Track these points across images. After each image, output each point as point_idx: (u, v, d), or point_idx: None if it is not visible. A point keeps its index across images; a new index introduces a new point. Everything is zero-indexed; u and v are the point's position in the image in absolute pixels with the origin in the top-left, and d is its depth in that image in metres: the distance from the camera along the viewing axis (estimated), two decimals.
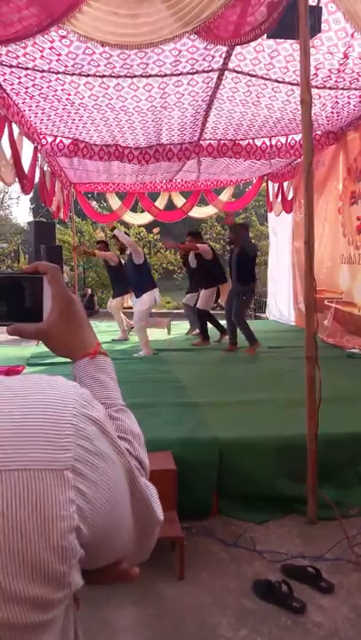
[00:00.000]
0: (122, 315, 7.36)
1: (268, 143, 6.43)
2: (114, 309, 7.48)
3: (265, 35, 3.19)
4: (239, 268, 5.99)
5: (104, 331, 7.99)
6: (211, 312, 6.83)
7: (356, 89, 4.70)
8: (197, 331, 6.97)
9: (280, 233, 9.27)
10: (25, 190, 5.16)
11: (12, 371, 5.03)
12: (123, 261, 6.55)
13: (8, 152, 4.65)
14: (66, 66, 4.06)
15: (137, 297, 5.94)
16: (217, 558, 2.47)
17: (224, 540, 2.61)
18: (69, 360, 0.67)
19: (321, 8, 3.20)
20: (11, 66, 4.01)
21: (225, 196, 9.90)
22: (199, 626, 2.02)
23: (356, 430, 3.14)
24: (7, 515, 0.40)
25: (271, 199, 9.04)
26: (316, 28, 3.19)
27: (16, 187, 5.15)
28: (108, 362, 0.67)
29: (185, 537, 2.40)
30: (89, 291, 14.10)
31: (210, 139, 6.27)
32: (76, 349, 0.66)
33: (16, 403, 0.44)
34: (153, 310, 6.54)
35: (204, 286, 6.67)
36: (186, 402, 3.79)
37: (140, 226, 14.31)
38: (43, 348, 5.73)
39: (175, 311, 12.54)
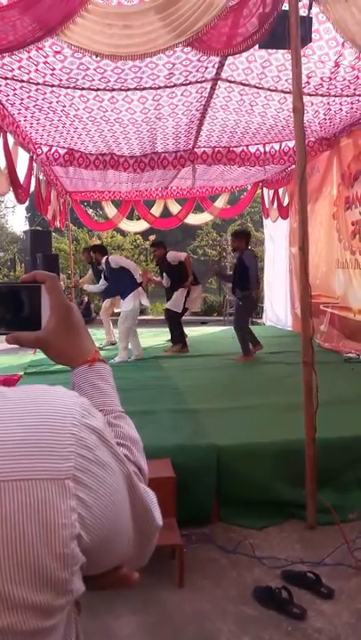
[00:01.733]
0: (109, 320, 7.40)
1: (261, 150, 6.48)
2: (103, 313, 7.52)
3: (257, 45, 3.24)
4: (235, 275, 6.06)
5: (101, 338, 7.98)
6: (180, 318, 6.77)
7: (347, 96, 4.75)
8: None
9: (277, 239, 9.32)
10: (20, 200, 5.18)
11: (8, 379, 5.03)
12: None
13: (2, 162, 4.68)
14: (60, 80, 4.10)
15: (123, 298, 6.12)
16: (217, 565, 2.47)
17: (224, 546, 2.60)
18: (66, 368, 0.68)
19: (311, 19, 3.24)
20: (6, 78, 4.04)
21: (220, 202, 9.96)
22: (200, 633, 2.02)
23: (354, 434, 3.15)
24: (10, 524, 0.41)
25: (267, 205, 9.09)
26: (307, 38, 3.24)
27: (12, 195, 5.17)
28: (106, 369, 0.68)
29: (185, 544, 2.40)
30: (85, 298, 14.09)
31: (204, 146, 6.32)
32: (74, 357, 0.66)
33: (17, 414, 0.45)
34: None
35: (174, 289, 6.72)
36: (184, 408, 3.80)
37: (135, 233, 14.35)
38: (40, 357, 5.73)
39: None
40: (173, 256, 6.62)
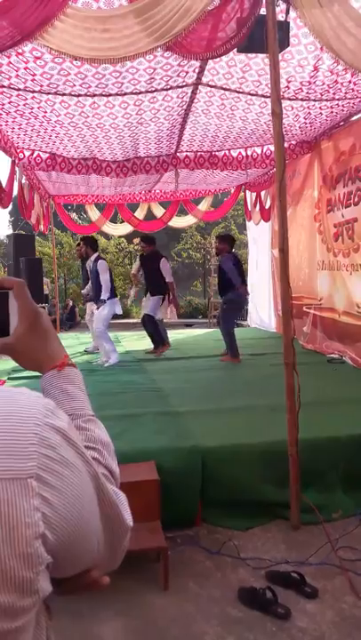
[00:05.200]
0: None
1: (243, 154, 6.53)
2: (88, 318, 7.46)
3: (236, 49, 3.27)
4: (219, 278, 6.11)
5: (86, 342, 7.95)
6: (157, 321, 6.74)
7: (327, 100, 4.82)
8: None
9: (260, 241, 9.39)
10: (2, 204, 5.15)
11: None
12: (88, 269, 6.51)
13: None
14: (41, 85, 4.09)
15: (97, 304, 6.06)
16: (202, 567, 2.47)
17: (208, 548, 2.61)
18: None
19: (289, 23, 3.28)
20: None
21: (204, 205, 10.01)
22: (185, 635, 2.02)
23: (337, 434, 3.18)
24: None
25: (250, 208, 9.16)
26: (285, 43, 3.28)
27: None
28: (76, 373, 0.68)
29: (169, 547, 2.40)
30: (70, 302, 14.03)
31: (187, 150, 6.35)
32: (43, 362, 0.66)
33: None
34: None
35: (152, 293, 6.70)
36: (168, 411, 3.80)
37: (120, 236, 14.34)
38: None
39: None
40: (165, 269, 6.50)
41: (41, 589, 0.45)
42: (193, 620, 2.09)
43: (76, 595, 0.56)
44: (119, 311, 6.17)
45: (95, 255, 6.22)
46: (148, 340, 6.89)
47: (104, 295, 5.89)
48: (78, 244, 8.23)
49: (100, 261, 6.09)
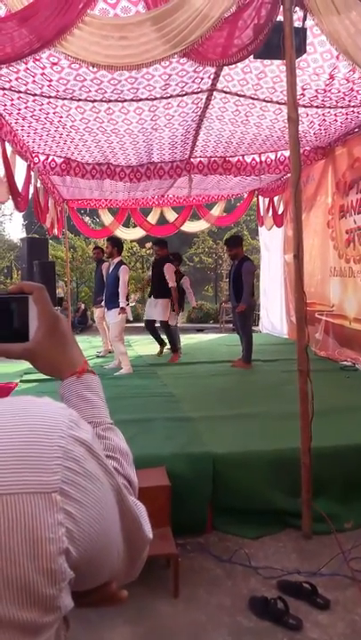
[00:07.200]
0: (105, 326, 7.23)
1: (257, 159, 6.53)
2: (98, 322, 7.47)
3: (252, 56, 3.27)
4: (235, 283, 6.07)
5: (97, 345, 7.98)
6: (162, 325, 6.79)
7: (342, 107, 4.80)
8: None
9: (272, 246, 9.36)
10: (19, 207, 5.19)
11: (4, 387, 5.00)
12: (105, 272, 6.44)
13: (1, 170, 4.69)
14: (57, 91, 4.13)
15: (109, 309, 5.98)
16: (212, 575, 2.45)
17: (219, 556, 2.59)
18: None
19: (306, 30, 3.28)
20: (3, 89, 4.06)
21: (216, 210, 10.01)
22: None
23: (350, 443, 3.15)
24: None
25: (262, 213, 9.14)
26: (301, 49, 3.28)
27: (9, 203, 5.17)
28: (95, 380, 0.67)
29: (180, 554, 2.38)
30: (82, 305, 14.10)
31: (200, 156, 6.36)
32: (62, 368, 0.66)
33: (3, 426, 0.44)
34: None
35: (156, 296, 6.72)
36: (179, 416, 3.79)
37: (132, 241, 14.39)
38: None
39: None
40: (168, 274, 6.52)
41: (63, 606, 0.44)
42: (203, 629, 2.08)
43: (94, 608, 0.56)
44: (130, 317, 6.17)
45: (118, 259, 6.13)
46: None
47: (123, 302, 5.79)
48: (96, 247, 8.26)
49: (122, 266, 5.98)
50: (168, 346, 6.93)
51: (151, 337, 7.12)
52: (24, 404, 0.48)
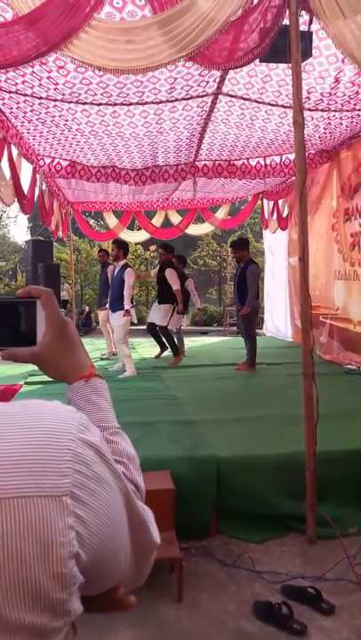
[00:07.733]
0: (109, 328, 7.22)
1: (262, 163, 6.53)
2: (102, 325, 7.49)
3: (258, 59, 3.27)
4: (240, 286, 6.06)
5: (101, 348, 7.99)
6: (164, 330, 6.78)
7: (347, 110, 4.80)
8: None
9: (276, 249, 9.35)
10: (25, 210, 5.22)
11: (9, 389, 5.01)
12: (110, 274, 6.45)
13: (7, 173, 4.71)
14: (63, 94, 4.15)
15: (113, 311, 5.98)
16: (216, 579, 2.44)
17: (223, 560, 2.58)
18: None
19: (312, 33, 3.29)
20: (10, 92, 4.09)
21: (221, 213, 10.02)
22: None
23: (355, 447, 3.13)
24: (6, 543, 0.40)
25: (267, 216, 9.14)
26: (307, 53, 3.28)
27: (14, 206, 5.20)
28: (102, 384, 0.67)
29: (183, 558, 2.38)
30: (86, 308, 14.12)
31: (205, 159, 6.37)
32: (70, 372, 0.66)
33: (13, 429, 0.44)
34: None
35: (160, 301, 6.74)
36: (184, 420, 3.78)
37: (136, 243, 14.40)
38: None
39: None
40: (170, 278, 6.52)
41: (73, 610, 0.44)
42: (207, 634, 2.07)
43: (102, 613, 0.55)
44: (134, 319, 6.17)
45: (124, 261, 6.12)
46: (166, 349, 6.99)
47: (127, 305, 5.79)
48: (101, 250, 8.26)
49: (128, 269, 5.97)
50: (169, 349, 6.95)
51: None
52: (33, 407, 0.48)
